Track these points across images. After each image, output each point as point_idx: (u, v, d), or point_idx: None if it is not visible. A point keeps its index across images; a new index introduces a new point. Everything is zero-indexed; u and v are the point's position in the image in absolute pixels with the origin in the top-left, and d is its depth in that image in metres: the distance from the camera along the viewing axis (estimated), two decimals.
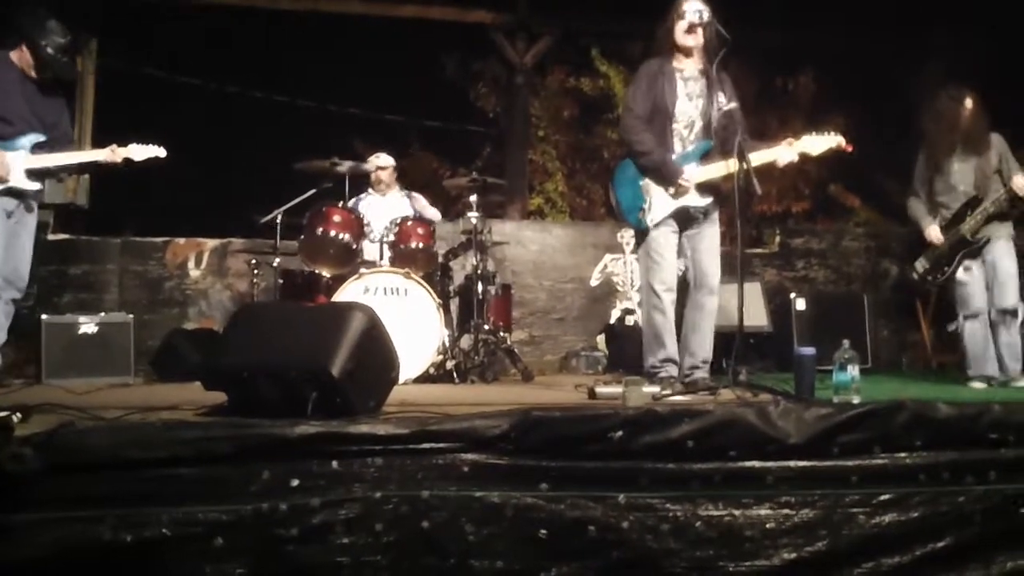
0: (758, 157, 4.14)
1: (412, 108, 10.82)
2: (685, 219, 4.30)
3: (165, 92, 10.17)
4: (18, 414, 2.77)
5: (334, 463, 2.63)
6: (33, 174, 4.57)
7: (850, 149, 4.29)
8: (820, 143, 4.24)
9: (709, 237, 4.32)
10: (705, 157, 4.25)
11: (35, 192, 4.64)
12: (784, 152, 4.23)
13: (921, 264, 5.08)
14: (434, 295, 5.06)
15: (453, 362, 5.09)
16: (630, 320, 6.94)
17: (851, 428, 2.88)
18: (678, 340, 4.27)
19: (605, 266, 7.20)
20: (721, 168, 4.17)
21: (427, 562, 2.62)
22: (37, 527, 2.46)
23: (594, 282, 7.18)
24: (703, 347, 4.23)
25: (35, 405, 2.97)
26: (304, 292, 5.18)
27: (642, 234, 4.32)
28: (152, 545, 2.46)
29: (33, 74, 4.62)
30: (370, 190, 6.21)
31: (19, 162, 4.53)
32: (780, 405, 2.95)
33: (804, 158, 4.28)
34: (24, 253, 4.68)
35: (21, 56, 4.61)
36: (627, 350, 6.18)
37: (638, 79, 4.43)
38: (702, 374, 4.16)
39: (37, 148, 4.59)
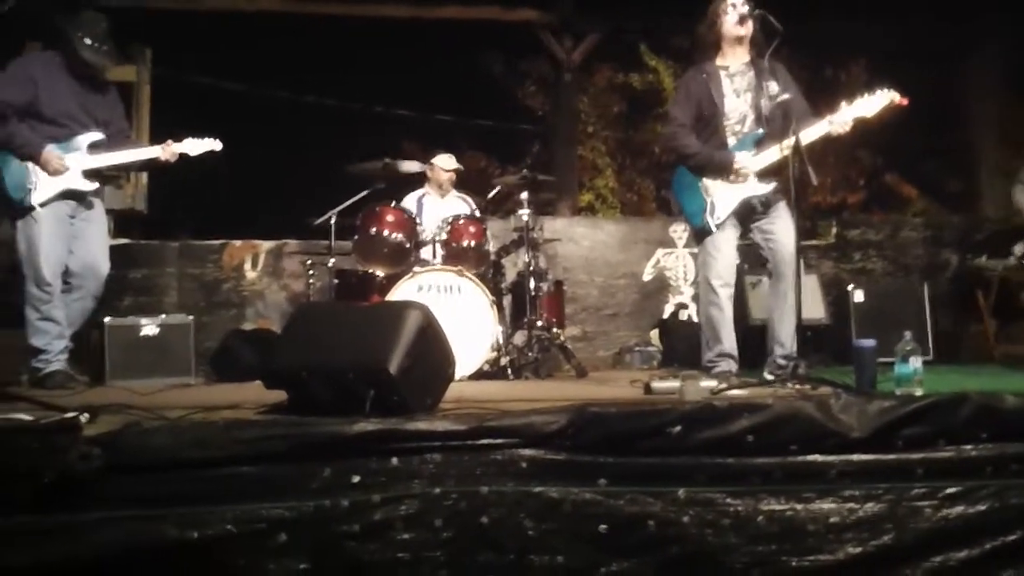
0: (812, 132, 4.06)
1: (460, 108, 10.86)
2: (748, 212, 4.25)
3: (218, 99, 10.33)
4: (86, 414, 2.84)
5: (393, 460, 2.64)
6: (91, 174, 4.62)
7: (905, 102, 4.14)
8: (873, 102, 4.10)
9: (783, 229, 4.23)
10: (759, 145, 4.20)
11: (94, 191, 4.70)
12: (836, 120, 4.11)
13: (1020, 248, 5.00)
14: (487, 292, 5.08)
15: (507, 359, 5.11)
16: (684, 315, 6.91)
17: (915, 421, 2.82)
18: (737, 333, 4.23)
19: (657, 261, 7.15)
20: (775, 153, 4.11)
21: (486, 558, 2.62)
22: (104, 525, 2.50)
23: (646, 277, 7.14)
24: (792, 337, 4.16)
25: (102, 406, 3.03)
26: (359, 292, 5.23)
27: (699, 230, 4.29)
28: (217, 542, 2.49)
29: (88, 71, 4.62)
30: (428, 188, 6.22)
31: (76, 163, 4.57)
32: (842, 398, 2.90)
33: (860, 122, 4.14)
34: (97, 247, 4.73)
35: (67, 55, 4.60)
36: (681, 345, 6.15)
37: (679, 89, 4.47)
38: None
39: (93, 147, 4.63)
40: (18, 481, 2.48)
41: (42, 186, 4.51)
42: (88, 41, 4.56)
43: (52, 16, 4.74)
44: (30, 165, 4.51)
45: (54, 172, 4.49)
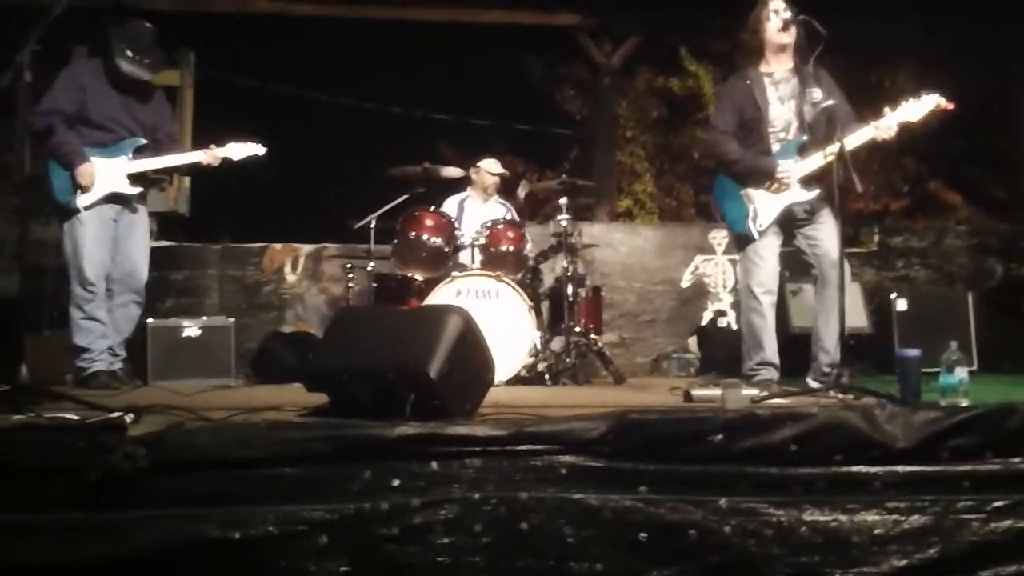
0: (857, 138, 4.02)
1: (498, 112, 10.87)
2: (791, 219, 4.22)
3: (259, 102, 10.43)
4: (130, 414, 2.88)
5: (433, 464, 2.65)
6: (135, 178, 4.71)
7: (951, 106, 4.07)
8: (919, 107, 4.05)
9: (828, 234, 4.19)
10: (802, 151, 4.16)
11: (138, 196, 4.78)
12: (881, 125, 4.05)
13: None
14: (526, 297, 5.07)
15: (544, 364, 5.09)
16: (722, 322, 6.85)
17: (962, 432, 2.78)
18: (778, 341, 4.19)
19: (696, 267, 7.10)
20: (819, 159, 4.06)
21: (525, 563, 2.62)
22: (147, 524, 2.53)
23: (685, 283, 7.10)
24: (837, 345, 4.11)
25: (146, 406, 3.08)
26: (397, 295, 5.24)
27: (741, 238, 4.25)
28: (258, 543, 2.51)
29: (133, 78, 4.69)
30: (471, 192, 6.24)
31: (120, 168, 4.66)
32: (887, 408, 2.87)
33: (905, 127, 4.09)
34: (139, 252, 4.82)
35: (107, 64, 4.69)
36: (720, 352, 6.10)
37: (721, 97, 4.44)
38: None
39: (138, 152, 4.72)
40: (64, 479, 2.52)
41: (87, 190, 4.60)
42: (129, 53, 4.65)
43: (99, 23, 4.80)
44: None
45: (84, 188, 4.58)
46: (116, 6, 5.94)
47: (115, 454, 2.52)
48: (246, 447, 2.60)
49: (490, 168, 6.18)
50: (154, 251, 5.03)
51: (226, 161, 4.88)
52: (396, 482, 2.62)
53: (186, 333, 5.56)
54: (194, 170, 4.98)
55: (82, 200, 4.59)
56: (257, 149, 4.93)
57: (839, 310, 3.81)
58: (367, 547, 2.56)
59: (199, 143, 4.94)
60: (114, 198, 4.69)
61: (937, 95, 4.06)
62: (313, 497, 2.58)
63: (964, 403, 3.22)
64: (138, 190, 4.76)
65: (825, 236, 4.19)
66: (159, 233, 6.85)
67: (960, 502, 2.74)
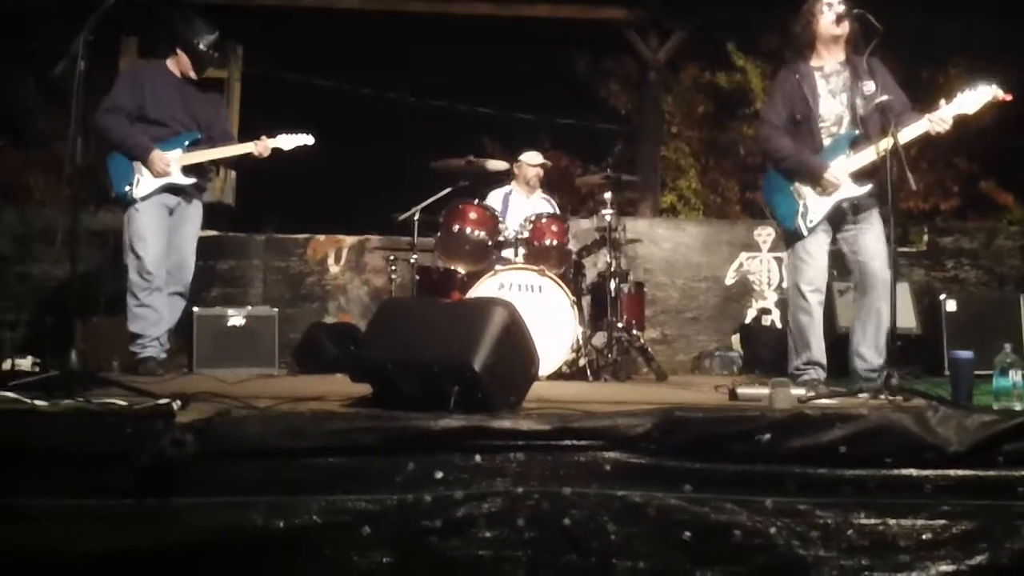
0: (911, 131, 3.93)
1: (543, 106, 10.84)
2: (841, 216, 4.15)
3: (305, 96, 10.51)
4: (178, 401, 2.90)
5: (477, 457, 2.65)
6: (188, 170, 4.84)
7: (1009, 98, 3.96)
8: (975, 98, 3.93)
9: (871, 242, 4.13)
10: (854, 146, 4.09)
11: (193, 185, 4.92)
12: (935, 118, 3.95)
13: None
14: (568, 292, 5.05)
15: (586, 360, 5.07)
16: (767, 320, 6.77)
17: (1018, 436, 2.71)
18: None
19: (741, 264, 7.03)
20: (871, 154, 3.98)
21: (568, 559, 2.61)
22: (193, 511, 2.56)
23: (729, 281, 7.03)
24: (876, 351, 4.08)
25: (193, 393, 3.10)
26: (440, 288, 5.25)
27: (791, 234, 4.19)
28: (302, 532, 2.53)
29: (192, 75, 4.90)
30: (515, 186, 6.23)
31: (175, 159, 4.80)
32: (939, 411, 2.81)
33: (961, 120, 3.98)
34: (188, 245, 4.97)
35: (177, 62, 4.90)
36: (763, 351, 6.04)
37: (772, 90, 4.37)
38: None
39: (192, 146, 4.86)
40: (113, 465, 2.55)
41: (144, 181, 4.78)
42: (203, 47, 4.86)
43: (167, 25, 4.95)
44: (134, 162, 4.78)
45: (158, 174, 4.76)
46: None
47: (163, 441, 2.54)
48: (293, 436, 2.61)
49: (531, 160, 6.17)
50: (200, 240, 5.12)
51: (276, 152, 4.98)
52: (440, 474, 2.62)
53: (231, 322, 5.62)
54: (244, 162, 5.06)
55: (139, 191, 4.74)
56: (307, 139, 5.04)
57: (888, 313, 3.73)
58: (410, 539, 2.56)
59: (246, 136, 5.06)
60: (170, 188, 4.83)
61: (994, 86, 3.95)
62: (357, 488, 2.58)
63: (1018, 407, 3.14)
64: (192, 180, 4.88)
65: (868, 243, 4.11)
66: (205, 223, 6.91)
67: (1012, 508, 2.68)
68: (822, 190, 4.11)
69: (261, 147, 4.93)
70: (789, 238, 4.25)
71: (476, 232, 5.18)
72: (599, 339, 5.38)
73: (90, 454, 2.57)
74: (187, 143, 4.84)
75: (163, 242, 4.82)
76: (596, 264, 5.92)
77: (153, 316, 4.76)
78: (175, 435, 2.54)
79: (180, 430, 2.57)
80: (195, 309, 5.50)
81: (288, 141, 4.99)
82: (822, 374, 4.20)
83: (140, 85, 4.83)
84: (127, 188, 4.74)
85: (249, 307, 5.93)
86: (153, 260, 4.73)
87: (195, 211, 5.01)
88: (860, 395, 3.52)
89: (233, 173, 8.01)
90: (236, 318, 5.64)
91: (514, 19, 8.51)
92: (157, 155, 4.73)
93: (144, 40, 7.71)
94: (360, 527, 2.54)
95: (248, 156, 4.96)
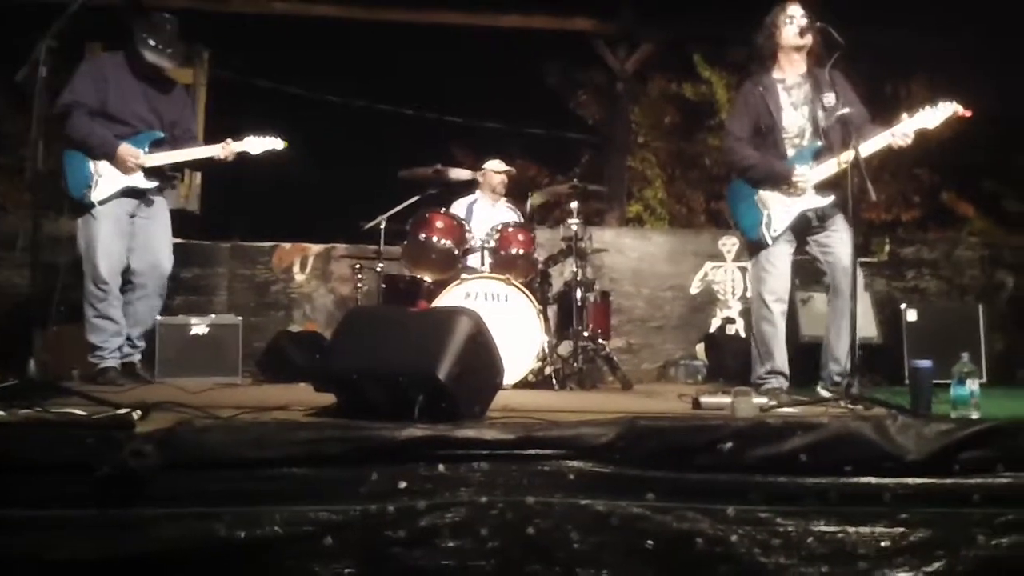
0: (873, 144, 4.00)
1: (511, 116, 10.85)
2: (805, 226, 4.20)
3: (271, 102, 10.44)
4: (138, 411, 2.87)
5: (440, 467, 2.64)
6: (151, 172, 4.67)
7: (968, 114, 4.04)
8: (936, 114, 4.02)
9: (842, 241, 4.18)
10: (817, 157, 4.15)
11: (155, 189, 4.75)
12: (898, 132, 4.02)
13: None
14: (534, 301, 5.06)
15: (552, 368, 5.08)
16: (731, 329, 6.82)
17: (974, 445, 2.76)
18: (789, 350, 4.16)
19: (705, 274, 7.09)
20: (834, 165, 4.05)
21: (532, 569, 2.61)
22: (155, 522, 2.52)
23: (694, 290, 7.08)
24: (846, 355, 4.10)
25: (154, 403, 3.07)
26: (406, 296, 5.24)
27: (755, 244, 4.23)
28: (265, 543, 2.51)
29: (151, 67, 4.68)
30: (480, 194, 6.22)
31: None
32: (898, 420, 2.84)
33: (921, 135, 4.06)
34: (161, 243, 4.80)
35: (137, 57, 4.66)
36: (727, 360, 6.07)
37: (736, 103, 4.44)
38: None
39: (155, 146, 4.69)
40: (72, 475, 2.52)
41: (102, 184, 4.59)
42: (152, 42, 4.63)
43: (119, 17, 4.81)
44: (92, 163, 4.59)
45: (128, 170, 4.59)
46: (134, 2, 5.95)
47: (123, 451, 2.51)
48: (256, 446, 2.59)
49: (494, 167, 6.18)
50: None
51: (242, 155, 4.80)
52: (403, 484, 2.61)
53: (194, 331, 5.55)
54: (209, 165, 4.92)
55: (96, 195, 4.57)
56: (276, 143, 4.84)
57: (852, 319, 3.79)
58: (373, 549, 2.55)
59: (210, 142, 4.90)
60: (130, 192, 4.67)
61: (954, 103, 4.03)
62: (320, 498, 2.57)
63: (975, 415, 3.19)
64: (154, 184, 4.72)
65: (838, 243, 4.17)
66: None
67: (969, 516, 2.72)
68: (791, 191, 4.15)
69: (227, 151, 4.74)
70: (753, 248, 4.30)
71: (442, 241, 5.18)
72: (565, 348, 5.39)
73: (50, 464, 2.54)
74: (150, 143, 4.67)
75: (121, 249, 4.65)
76: (563, 273, 5.94)
77: (112, 327, 4.63)
78: (135, 445, 2.51)
79: (141, 440, 2.54)
80: (158, 318, 5.42)
81: (256, 144, 4.79)
82: (785, 383, 4.25)
83: (103, 79, 4.63)
84: (84, 191, 4.54)
85: (213, 315, 5.86)
86: (108, 269, 4.57)
87: (160, 210, 4.82)
88: (821, 404, 3.56)
89: (198, 180, 7.93)
90: (200, 327, 5.57)
91: (484, 29, 8.52)
92: (125, 149, 4.55)
93: (109, 46, 7.63)
94: (323, 537, 2.52)
95: (213, 159, 4.78)
